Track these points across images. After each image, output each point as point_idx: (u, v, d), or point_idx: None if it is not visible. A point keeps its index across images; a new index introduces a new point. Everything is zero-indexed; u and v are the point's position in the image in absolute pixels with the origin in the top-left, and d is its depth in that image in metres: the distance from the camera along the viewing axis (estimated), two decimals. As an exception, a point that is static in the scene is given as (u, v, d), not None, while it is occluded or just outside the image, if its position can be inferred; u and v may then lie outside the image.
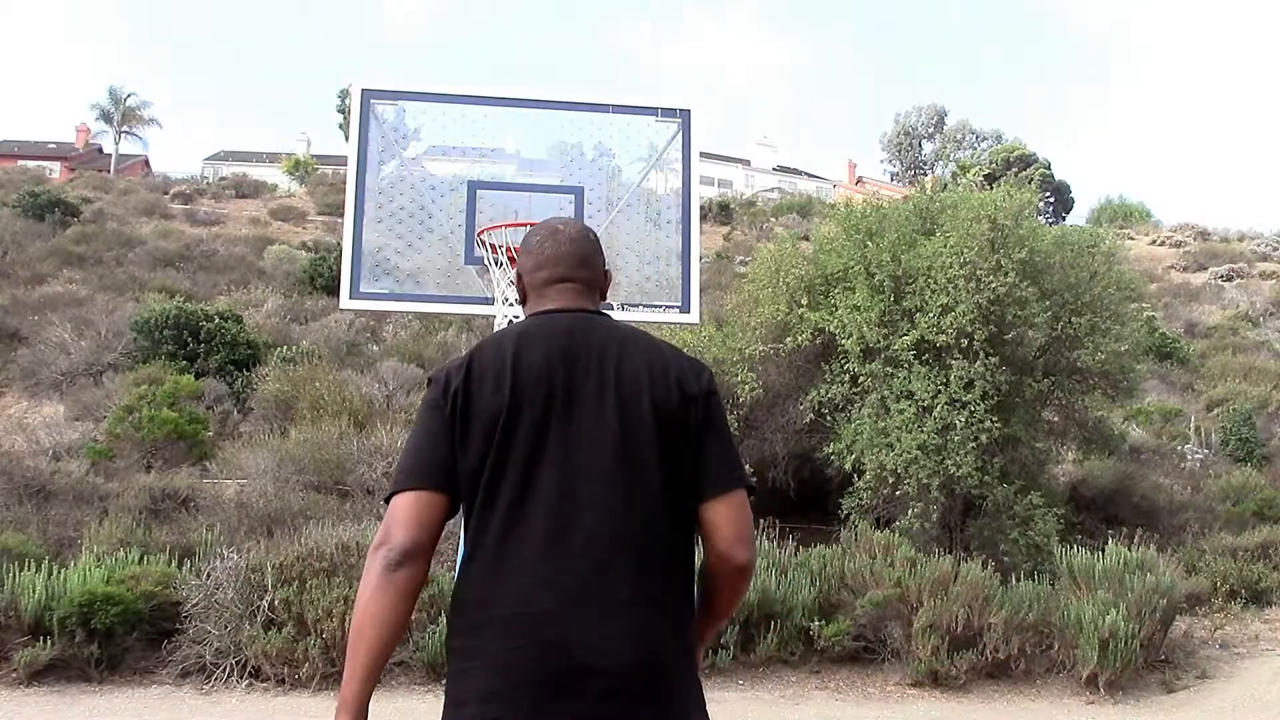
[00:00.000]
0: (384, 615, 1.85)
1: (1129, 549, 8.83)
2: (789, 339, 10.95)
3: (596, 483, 1.91)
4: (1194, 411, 16.58)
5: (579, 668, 1.81)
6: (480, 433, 1.92)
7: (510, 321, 6.03)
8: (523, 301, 2.20)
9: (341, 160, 26.89)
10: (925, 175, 52.70)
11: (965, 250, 10.13)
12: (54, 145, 49.37)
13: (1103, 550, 8.84)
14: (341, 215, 7.58)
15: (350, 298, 7.14)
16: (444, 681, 1.99)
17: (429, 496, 1.91)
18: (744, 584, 2.02)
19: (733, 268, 23.70)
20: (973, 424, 9.62)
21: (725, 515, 1.95)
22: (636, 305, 7.24)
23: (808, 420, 10.94)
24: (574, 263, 2.13)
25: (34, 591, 7.27)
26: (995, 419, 9.72)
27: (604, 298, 2.20)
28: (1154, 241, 33.81)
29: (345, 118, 43.18)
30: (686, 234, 7.39)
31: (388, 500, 1.94)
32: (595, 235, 2.25)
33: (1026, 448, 10.62)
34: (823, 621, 8.13)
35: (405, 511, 1.89)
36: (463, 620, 1.93)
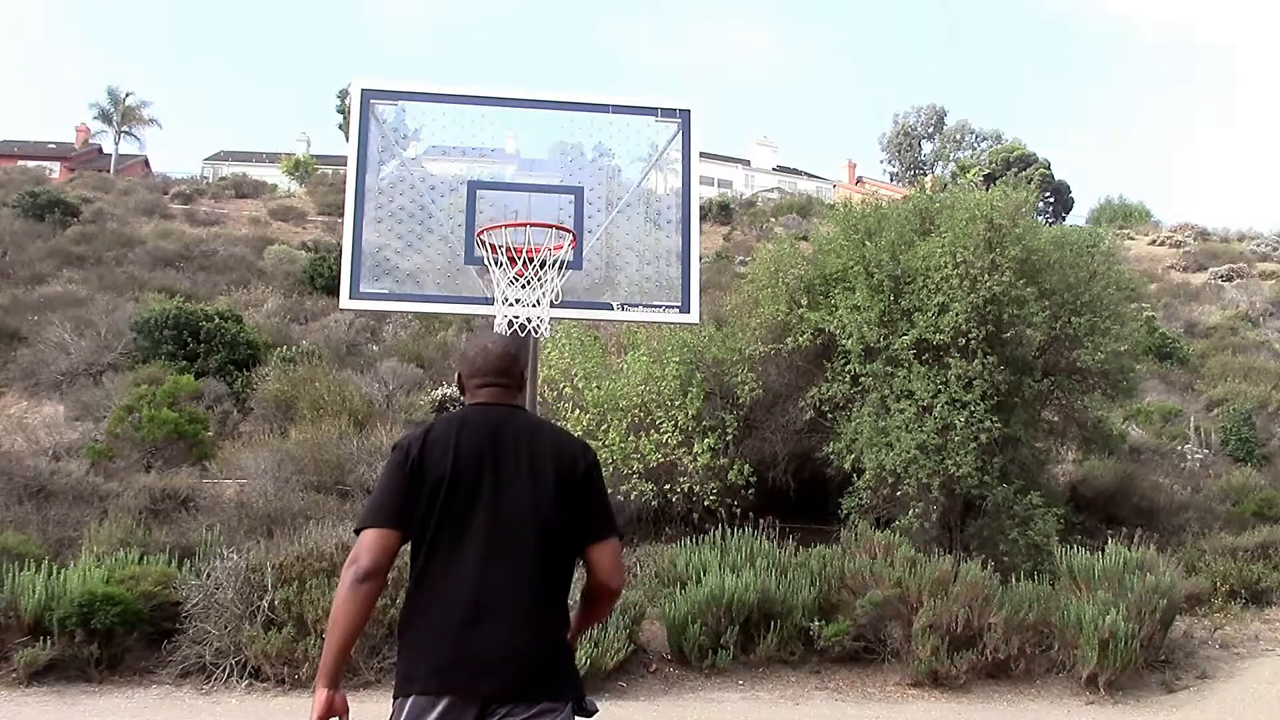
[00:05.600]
0: (351, 614, 2.60)
1: (1129, 549, 8.83)
2: (789, 339, 10.94)
3: (513, 529, 2.67)
4: (1194, 411, 16.58)
5: (491, 665, 2.57)
6: (429, 489, 2.67)
7: (510, 322, 6.18)
8: (462, 393, 2.99)
9: (341, 160, 26.87)
10: (925, 175, 52.72)
11: (960, 250, 10.12)
12: (54, 145, 49.34)
13: (1103, 550, 8.84)
14: (341, 215, 7.55)
15: (350, 298, 7.10)
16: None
17: (388, 533, 2.65)
18: (613, 601, 2.97)
19: (733, 268, 23.68)
20: (972, 424, 9.62)
21: (602, 555, 2.78)
22: (636, 305, 7.21)
23: (806, 418, 10.94)
24: (499, 371, 2.91)
25: (34, 591, 7.27)
26: (995, 419, 9.71)
27: (522, 391, 3.02)
28: (1154, 241, 33.79)
29: (345, 118, 43.20)
30: (686, 234, 7.35)
31: (357, 532, 2.67)
32: (516, 348, 3.03)
33: (1026, 448, 10.61)
34: (823, 621, 8.13)
35: (370, 542, 2.64)
36: (412, 624, 2.67)
